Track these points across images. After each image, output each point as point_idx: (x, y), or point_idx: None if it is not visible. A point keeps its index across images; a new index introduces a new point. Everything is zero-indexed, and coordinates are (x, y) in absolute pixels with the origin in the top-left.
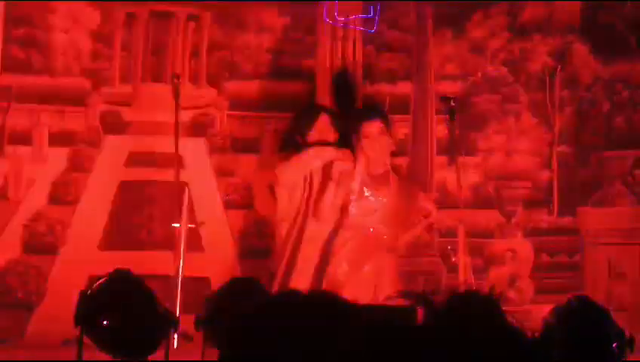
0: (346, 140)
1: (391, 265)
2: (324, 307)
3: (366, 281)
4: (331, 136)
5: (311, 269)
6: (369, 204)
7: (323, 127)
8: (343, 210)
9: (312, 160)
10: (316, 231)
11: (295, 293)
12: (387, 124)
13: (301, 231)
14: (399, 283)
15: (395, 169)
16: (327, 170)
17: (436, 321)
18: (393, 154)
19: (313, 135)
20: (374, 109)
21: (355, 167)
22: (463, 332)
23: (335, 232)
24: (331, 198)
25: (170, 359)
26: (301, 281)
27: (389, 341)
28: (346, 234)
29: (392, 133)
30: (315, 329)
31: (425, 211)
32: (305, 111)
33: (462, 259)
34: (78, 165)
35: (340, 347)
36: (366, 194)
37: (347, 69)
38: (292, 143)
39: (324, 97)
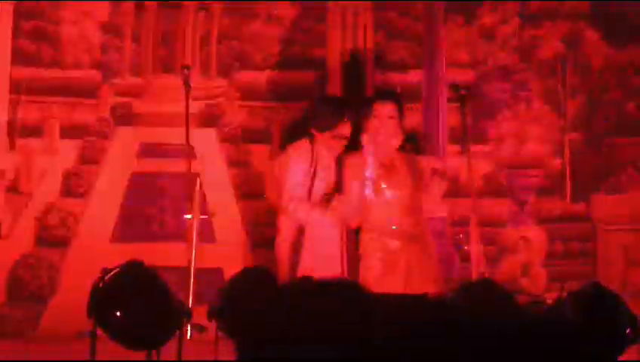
0: (357, 131)
1: (426, 256)
2: (339, 291)
3: (401, 279)
4: (345, 127)
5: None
6: (387, 199)
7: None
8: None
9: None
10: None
11: (310, 279)
12: (400, 109)
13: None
14: (435, 271)
15: (403, 155)
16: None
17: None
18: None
19: (327, 126)
20: (389, 92)
21: (363, 155)
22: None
23: (354, 233)
24: (356, 195)
25: (183, 349)
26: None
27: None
28: (372, 234)
29: (403, 121)
30: (330, 313)
31: (436, 170)
32: (319, 102)
33: (474, 248)
34: (90, 157)
35: (356, 330)
36: (382, 186)
37: (358, 57)
38: (304, 133)
39: (335, 86)
